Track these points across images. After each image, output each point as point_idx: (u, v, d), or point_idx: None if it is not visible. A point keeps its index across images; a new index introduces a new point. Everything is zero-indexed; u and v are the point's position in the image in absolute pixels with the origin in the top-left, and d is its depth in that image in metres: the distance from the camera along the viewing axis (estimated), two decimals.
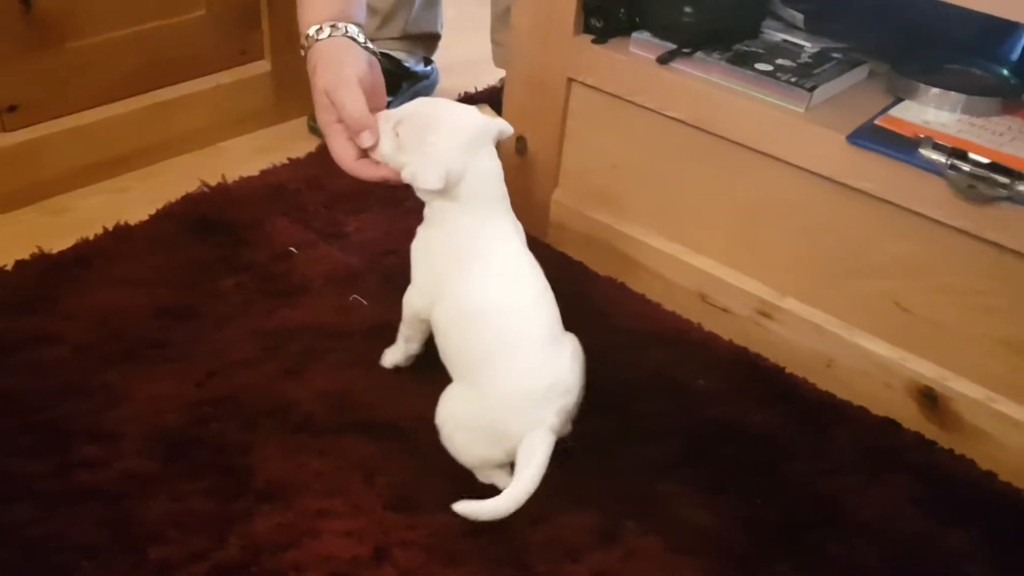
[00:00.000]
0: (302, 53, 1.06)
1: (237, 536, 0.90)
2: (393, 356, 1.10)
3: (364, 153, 1.00)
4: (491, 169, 0.96)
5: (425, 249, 1.01)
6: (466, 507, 0.88)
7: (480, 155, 0.95)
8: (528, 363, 0.93)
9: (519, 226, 1.01)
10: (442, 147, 0.93)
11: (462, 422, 0.96)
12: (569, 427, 0.97)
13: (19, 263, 1.22)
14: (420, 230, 1.01)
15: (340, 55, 1.00)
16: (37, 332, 1.11)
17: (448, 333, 0.98)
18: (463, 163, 0.93)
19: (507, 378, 0.93)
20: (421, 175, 0.92)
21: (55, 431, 0.99)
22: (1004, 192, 0.94)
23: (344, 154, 1.01)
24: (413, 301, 1.03)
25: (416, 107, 0.98)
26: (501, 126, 0.97)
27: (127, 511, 0.91)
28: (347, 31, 1.03)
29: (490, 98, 1.68)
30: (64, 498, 0.92)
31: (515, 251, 0.98)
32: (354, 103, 0.97)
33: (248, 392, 1.06)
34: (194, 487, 0.94)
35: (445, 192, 0.93)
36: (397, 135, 0.96)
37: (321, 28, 1.03)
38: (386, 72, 1.66)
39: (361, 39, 1.04)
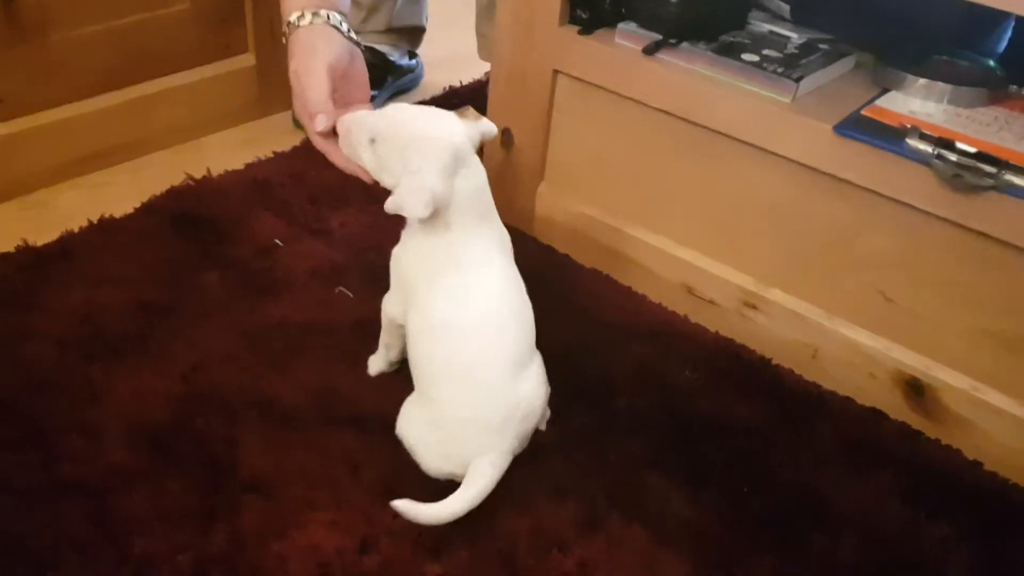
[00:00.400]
0: (283, 40, 1.05)
1: (222, 528, 0.89)
2: (377, 364, 1.09)
3: None
4: (475, 186, 0.93)
5: (404, 257, 0.98)
6: (405, 506, 0.87)
7: (463, 172, 0.92)
8: (487, 393, 0.92)
9: (506, 237, 0.99)
10: (426, 172, 0.89)
11: (418, 437, 0.95)
12: (542, 427, 0.98)
13: (2, 257, 1.21)
14: (403, 235, 0.99)
15: (315, 42, 1.00)
16: (19, 327, 1.10)
17: (415, 343, 0.96)
18: (448, 186, 0.90)
19: (463, 404, 0.92)
20: (408, 207, 0.88)
21: (38, 426, 0.98)
22: (990, 182, 0.94)
23: (319, 138, 1.00)
24: (389, 307, 1.02)
25: (393, 119, 0.94)
26: (484, 128, 0.95)
27: (111, 505, 0.90)
28: (328, 19, 1.02)
29: (476, 92, 1.68)
30: (48, 492, 0.91)
31: (495, 268, 0.96)
32: (313, 88, 0.97)
33: (232, 386, 1.05)
34: (178, 481, 0.93)
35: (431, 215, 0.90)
36: (374, 146, 0.93)
37: (302, 15, 1.02)
38: (370, 66, 1.65)
39: (344, 27, 1.03)
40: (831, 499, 0.99)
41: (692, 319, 1.22)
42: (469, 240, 0.94)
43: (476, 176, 0.93)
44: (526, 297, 0.97)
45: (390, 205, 0.89)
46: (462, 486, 0.90)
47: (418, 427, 0.95)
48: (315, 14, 1.02)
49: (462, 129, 0.93)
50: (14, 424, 0.98)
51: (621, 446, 1.03)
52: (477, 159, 0.94)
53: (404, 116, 0.95)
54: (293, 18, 1.02)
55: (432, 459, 0.94)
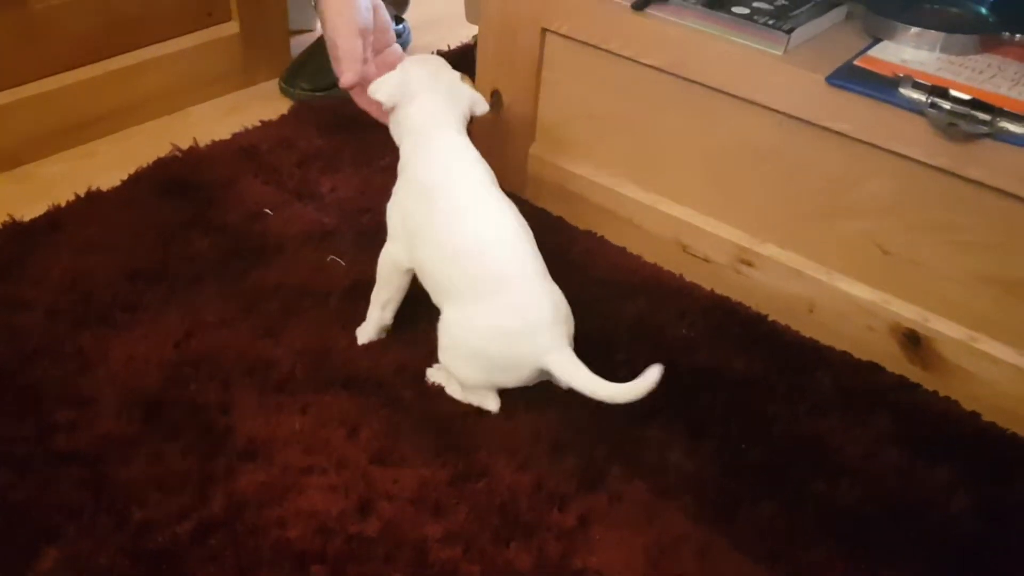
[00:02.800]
0: (312, 3, 1.16)
1: (220, 494, 0.89)
2: (367, 333, 1.09)
3: None
4: (443, 104, 1.06)
5: (397, 200, 1.05)
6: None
7: (442, 91, 1.06)
8: (528, 297, 0.96)
9: (487, 167, 1.05)
10: (408, 66, 1.07)
11: (466, 352, 0.98)
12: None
13: None
14: (394, 189, 1.05)
15: (341, 7, 1.08)
16: (9, 298, 1.09)
17: (434, 274, 1.01)
18: (421, 82, 1.05)
19: (513, 312, 0.96)
20: (379, 87, 1.05)
21: (31, 395, 0.97)
22: (985, 129, 0.93)
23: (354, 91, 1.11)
24: (391, 254, 1.04)
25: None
26: (475, 97, 1.08)
27: (107, 473, 0.90)
28: None
29: (463, 55, 1.66)
30: (43, 462, 0.91)
31: (483, 186, 1.02)
32: (347, 50, 1.07)
33: (226, 352, 1.04)
34: (174, 447, 0.93)
35: (403, 117, 1.05)
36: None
37: None
38: None
39: None
40: (829, 448, 0.99)
41: (687, 277, 1.22)
42: (451, 160, 1.04)
43: (448, 98, 1.06)
44: (519, 213, 1.03)
45: (371, 87, 1.06)
46: (582, 378, 0.93)
47: (467, 344, 0.98)
48: None
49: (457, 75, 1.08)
50: (7, 394, 0.97)
51: None
52: (468, 96, 1.08)
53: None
54: None
55: (480, 372, 0.98)
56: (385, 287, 1.06)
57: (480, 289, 0.97)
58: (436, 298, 1.02)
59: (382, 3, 1.12)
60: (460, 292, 0.98)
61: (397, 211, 1.04)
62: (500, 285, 0.96)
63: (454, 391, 1.01)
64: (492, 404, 1.00)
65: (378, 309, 1.07)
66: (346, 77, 1.07)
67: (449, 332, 0.99)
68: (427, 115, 1.05)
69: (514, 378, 0.98)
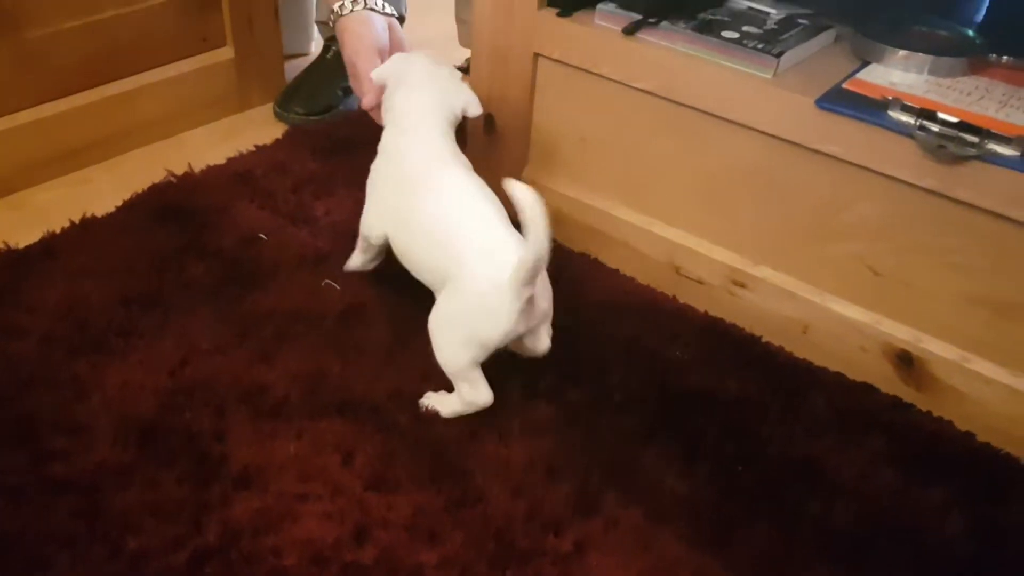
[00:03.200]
0: (330, 24, 1.25)
1: (215, 522, 0.88)
2: (353, 262, 1.20)
3: None
4: (430, 99, 1.13)
5: (375, 178, 1.14)
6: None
7: (435, 86, 1.13)
8: (499, 256, 0.97)
9: (464, 161, 1.12)
10: (412, 57, 1.16)
11: (446, 321, 1.01)
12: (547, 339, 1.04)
13: None
14: (373, 164, 1.14)
15: (359, 29, 1.17)
16: (4, 325, 1.09)
17: (408, 253, 1.08)
18: (417, 74, 1.13)
19: (484, 269, 0.98)
20: (379, 69, 1.16)
21: (26, 424, 0.97)
22: (973, 151, 0.94)
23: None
24: (367, 226, 1.15)
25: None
26: (470, 99, 1.15)
27: (102, 501, 0.90)
28: (366, 3, 1.22)
29: None
30: (37, 490, 0.90)
31: (458, 171, 1.08)
32: (364, 68, 1.17)
33: (220, 378, 1.04)
34: (169, 475, 0.93)
35: (390, 103, 1.13)
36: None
37: (343, 4, 1.22)
38: None
39: (379, 5, 1.23)
40: (824, 470, 0.99)
41: (681, 299, 1.22)
42: (431, 153, 1.10)
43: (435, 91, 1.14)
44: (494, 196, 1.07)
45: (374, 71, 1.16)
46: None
47: (448, 312, 1.01)
48: (354, 1, 1.22)
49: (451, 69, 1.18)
50: (2, 423, 0.97)
51: (614, 423, 1.03)
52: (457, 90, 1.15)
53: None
54: (336, 7, 1.22)
55: (461, 346, 0.99)
56: (361, 249, 1.18)
57: (451, 268, 1.01)
58: (421, 276, 1.08)
59: (396, 21, 1.19)
60: (440, 275, 1.03)
61: (375, 189, 1.13)
62: (474, 247, 1.00)
63: (450, 411, 1.02)
64: (484, 395, 1.00)
65: (360, 254, 1.19)
66: (367, 99, 1.14)
67: (434, 311, 1.02)
68: (412, 106, 1.12)
69: (500, 333, 0.97)
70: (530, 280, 0.94)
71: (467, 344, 0.99)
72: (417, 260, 1.07)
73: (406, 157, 1.10)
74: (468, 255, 0.99)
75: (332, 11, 1.23)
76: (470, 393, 1.00)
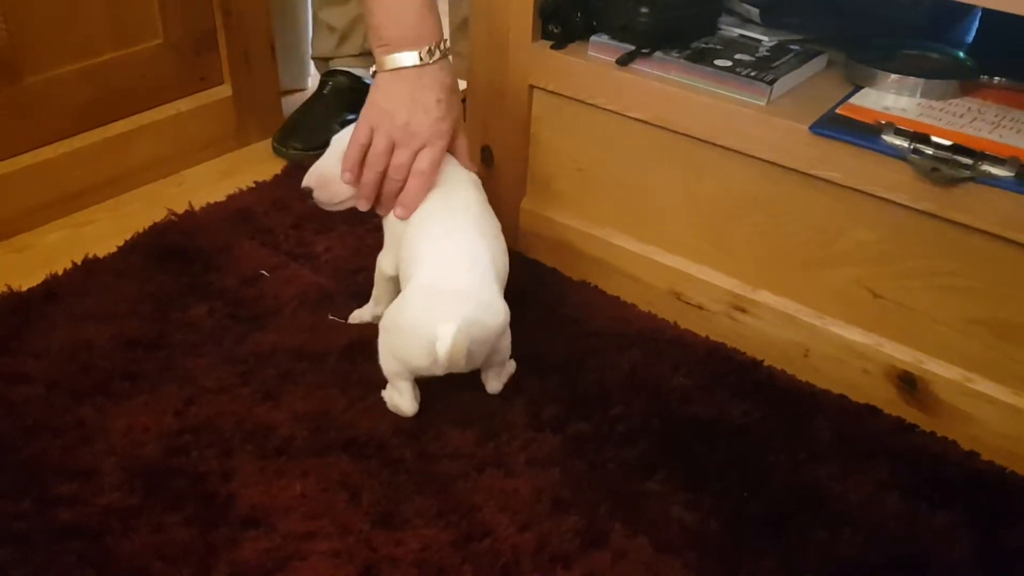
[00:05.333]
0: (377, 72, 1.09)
1: (223, 564, 0.88)
2: (361, 316, 1.20)
3: None
4: None
5: (392, 222, 1.10)
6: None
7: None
8: (438, 274, 1.01)
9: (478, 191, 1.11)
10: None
11: (385, 327, 1.04)
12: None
13: None
14: None
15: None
16: (7, 371, 1.09)
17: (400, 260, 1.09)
18: None
19: (419, 282, 1.01)
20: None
21: (31, 470, 0.97)
22: (968, 173, 0.94)
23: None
24: (379, 262, 1.14)
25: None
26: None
27: (109, 546, 0.90)
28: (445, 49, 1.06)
29: None
30: (45, 537, 0.90)
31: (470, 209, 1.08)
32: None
33: (225, 418, 1.04)
34: (176, 517, 0.93)
35: None
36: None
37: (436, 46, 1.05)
38: (347, 89, 1.67)
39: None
40: (829, 495, 0.99)
41: (682, 325, 1.23)
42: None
43: None
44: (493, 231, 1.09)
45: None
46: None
47: (388, 315, 1.04)
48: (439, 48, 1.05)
49: None
50: (6, 469, 0.97)
51: (619, 454, 1.03)
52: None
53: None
54: (423, 51, 1.03)
55: (389, 352, 1.03)
56: (377, 287, 1.16)
57: (410, 280, 1.03)
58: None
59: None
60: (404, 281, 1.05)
61: (391, 231, 1.11)
62: (427, 265, 1.02)
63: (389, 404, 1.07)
64: (406, 406, 1.04)
65: (372, 304, 1.18)
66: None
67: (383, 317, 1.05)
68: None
69: (418, 348, 0.98)
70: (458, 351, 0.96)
71: (393, 357, 1.03)
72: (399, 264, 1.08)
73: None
74: (422, 284, 1.01)
75: (420, 57, 1.03)
76: (396, 397, 1.05)
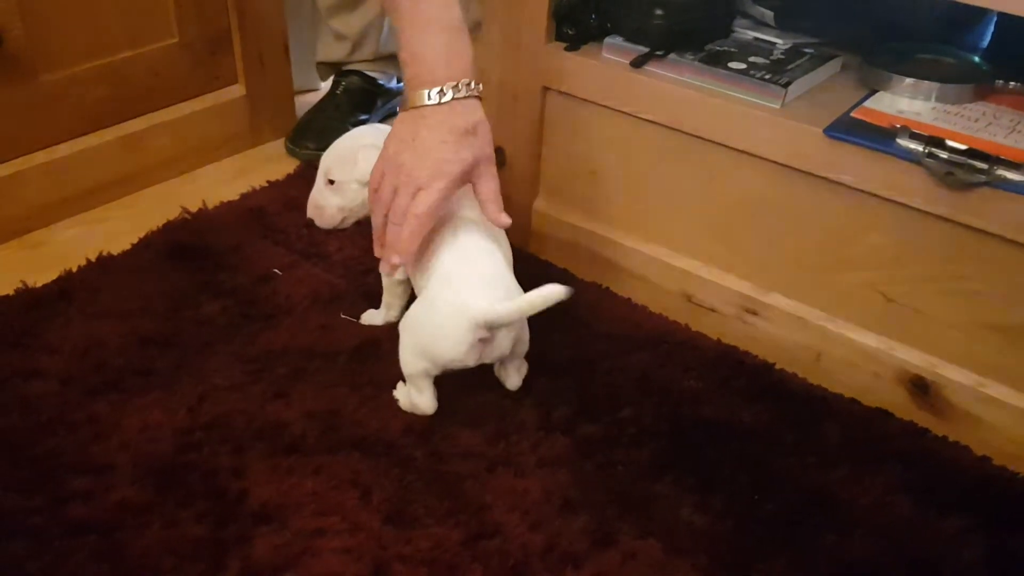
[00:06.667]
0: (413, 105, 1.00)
1: (235, 560, 0.89)
2: (373, 318, 1.20)
3: None
4: None
5: None
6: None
7: None
8: (459, 265, 1.01)
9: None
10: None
11: (410, 326, 1.03)
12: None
13: (3, 299, 1.21)
14: None
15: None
16: (23, 367, 1.10)
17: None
18: None
19: (443, 272, 1.01)
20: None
21: (46, 465, 0.98)
22: (983, 177, 0.94)
23: None
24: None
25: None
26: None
27: (122, 541, 0.90)
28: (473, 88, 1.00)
29: None
30: (59, 532, 0.91)
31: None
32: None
33: (237, 416, 1.05)
34: (188, 513, 0.93)
35: None
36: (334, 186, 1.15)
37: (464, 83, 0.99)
38: (361, 90, 1.67)
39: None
40: (841, 499, 0.99)
41: (693, 327, 1.23)
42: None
43: None
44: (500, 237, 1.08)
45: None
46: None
47: (411, 316, 1.04)
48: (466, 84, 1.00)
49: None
50: (21, 465, 0.98)
51: (629, 456, 1.03)
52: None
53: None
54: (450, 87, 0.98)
55: (413, 352, 1.03)
56: (387, 293, 1.18)
57: (431, 280, 1.02)
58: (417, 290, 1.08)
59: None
60: (422, 282, 1.05)
61: None
62: (442, 273, 1.01)
63: (403, 403, 1.07)
64: (425, 404, 1.04)
65: (385, 310, 1.19)
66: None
67: (403, 317, 1.05)
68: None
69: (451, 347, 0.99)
70: (489, 328, 0.97)
71: (420, 355, 1.02)
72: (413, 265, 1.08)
73: None
74: (447, 275, 1.01)
75: (429, 96, 0.97)
76: (415, 396, 1.05)
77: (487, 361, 1.02)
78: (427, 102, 0.97)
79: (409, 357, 1.03)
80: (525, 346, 1.07)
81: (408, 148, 0.98)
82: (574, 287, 1.28)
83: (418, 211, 0.98)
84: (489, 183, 1.02)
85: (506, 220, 1.03)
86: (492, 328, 0.97)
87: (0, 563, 0.88)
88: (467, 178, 1.01)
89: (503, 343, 1.01)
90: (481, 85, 1.00)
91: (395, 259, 1.01)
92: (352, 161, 1.11)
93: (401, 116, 1.00)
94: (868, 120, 1.04)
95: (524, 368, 1.10)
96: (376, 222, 1.04)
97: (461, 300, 0.98)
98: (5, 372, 1.09)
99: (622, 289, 1.28)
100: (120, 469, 0.98)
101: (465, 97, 0.98)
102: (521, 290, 1.01)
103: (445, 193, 0.99)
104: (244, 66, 1.60)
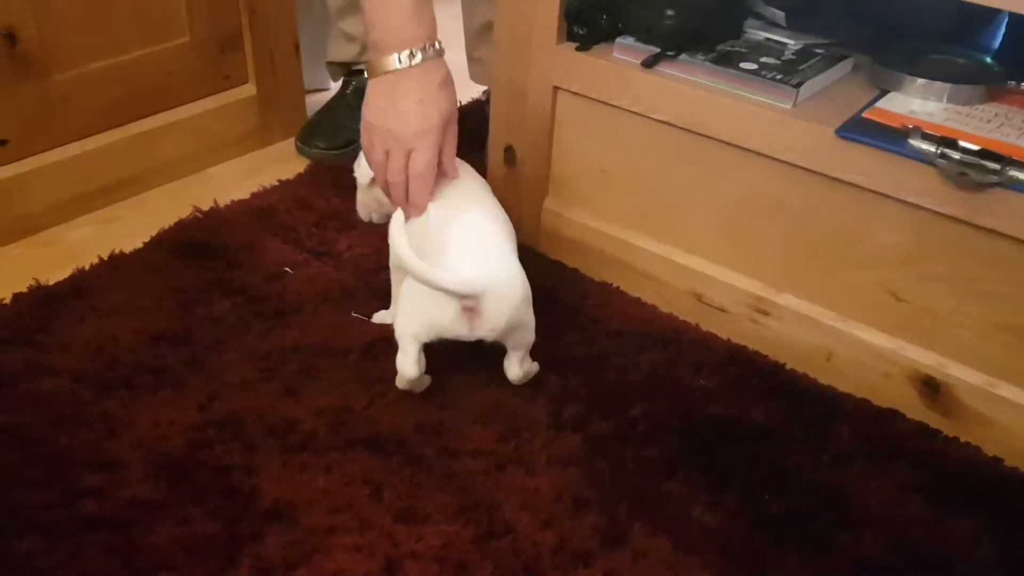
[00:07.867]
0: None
1: (247, 557, 0.89)
2: (383, 317, 1.21)
3: None
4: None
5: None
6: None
7: None
8: (465, 259, 1.01)
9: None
10: None
11: (409, 287, 1.04)
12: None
13: (16, 296, 1.22)
14: None
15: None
16: (36, 364, 1.10)
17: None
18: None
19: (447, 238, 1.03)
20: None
21: (59, 462, 0.98)
22: (995, 178, 0.94)
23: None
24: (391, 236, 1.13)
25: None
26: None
27: (135, 538, 0.91)
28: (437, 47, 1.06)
29: (468, 111, 1.68)
30: (71, 528, 0.91)
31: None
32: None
33: (249, 413, 1.05)
34: (201, 510, 0.94)
35: None
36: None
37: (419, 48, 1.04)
38: None
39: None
40: (852, 498, 0.99)
41: (703, 327, 1.23)
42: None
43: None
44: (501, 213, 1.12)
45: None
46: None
47: (408, 287, 1.05)
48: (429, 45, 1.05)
49: None
50: (34, 461, 0.98)
51: (639, 454, 1.03)
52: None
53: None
54: (405, 54, 1.03)
55: (409, 315, 1.04)
56: (396, 287, 1.16)
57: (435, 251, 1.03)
58: None
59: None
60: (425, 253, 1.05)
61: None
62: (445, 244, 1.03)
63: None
64: (409, 369, 1.03)
65: (394, 306, 1.18)
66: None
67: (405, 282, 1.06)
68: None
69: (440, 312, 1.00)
70: (459, 295, 0.98)
71: (413, 316, 1.03)
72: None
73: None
74: (444, 244, 1.03)
75: (400, 60, 1.02)
76: (399, 356, 1.04)
77: (481, 335, 1.01)
78: (398, 66, 1.02)
79: (404, 318, 1.04)
80: (527, 335, 1.06)
81: (391, 115, 1.04)
82: (584, 286, 1.30)
83: (417, 171, 1.05)
84: (454, 137, 1.10)
85: (456, 173, 1.11)
86: (463, 296, 0.98)
87: (14, 558, 0.88)
88: (448, 126, 1.07)
89: (492, 317, 1.00)
90: (442, 43, 1.06)
91: (412, 211, 1.07)
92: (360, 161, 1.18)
93: (373, 84, 1.05)
94: (880, 120, 1.04)
95: (528, 362, 1.10)
96: (382, 187, 1.10)
97: (451, 268, 0.99)
98: (18, 369, 1.09)
99: (632, 288, 1.28)
100: (132, 466, 0.98)
101: (432, 56, 1.04)
102: (518, 264, 1.04)
103: (435, 147, 1.06)
104: (255, 66, 1.60)
